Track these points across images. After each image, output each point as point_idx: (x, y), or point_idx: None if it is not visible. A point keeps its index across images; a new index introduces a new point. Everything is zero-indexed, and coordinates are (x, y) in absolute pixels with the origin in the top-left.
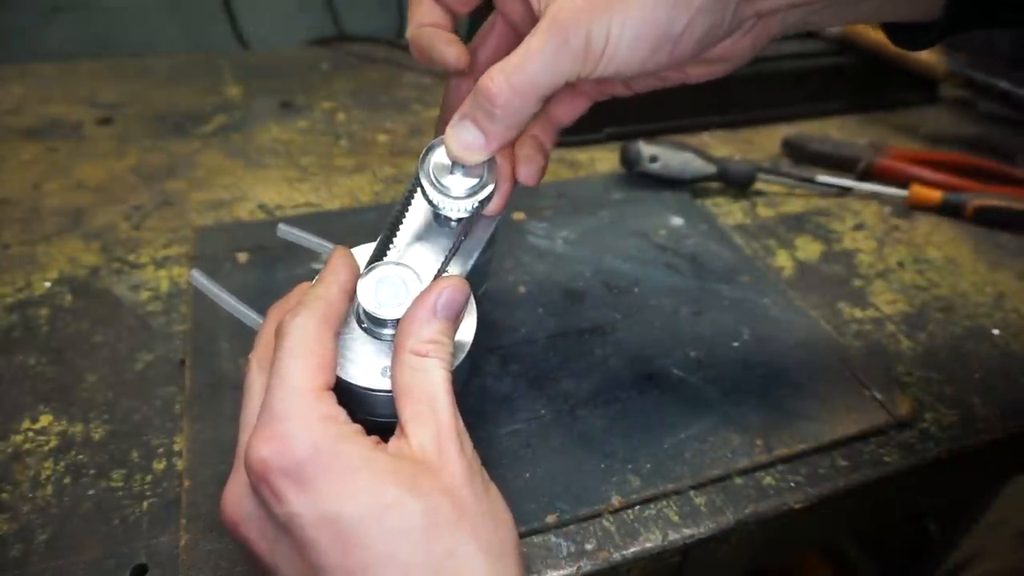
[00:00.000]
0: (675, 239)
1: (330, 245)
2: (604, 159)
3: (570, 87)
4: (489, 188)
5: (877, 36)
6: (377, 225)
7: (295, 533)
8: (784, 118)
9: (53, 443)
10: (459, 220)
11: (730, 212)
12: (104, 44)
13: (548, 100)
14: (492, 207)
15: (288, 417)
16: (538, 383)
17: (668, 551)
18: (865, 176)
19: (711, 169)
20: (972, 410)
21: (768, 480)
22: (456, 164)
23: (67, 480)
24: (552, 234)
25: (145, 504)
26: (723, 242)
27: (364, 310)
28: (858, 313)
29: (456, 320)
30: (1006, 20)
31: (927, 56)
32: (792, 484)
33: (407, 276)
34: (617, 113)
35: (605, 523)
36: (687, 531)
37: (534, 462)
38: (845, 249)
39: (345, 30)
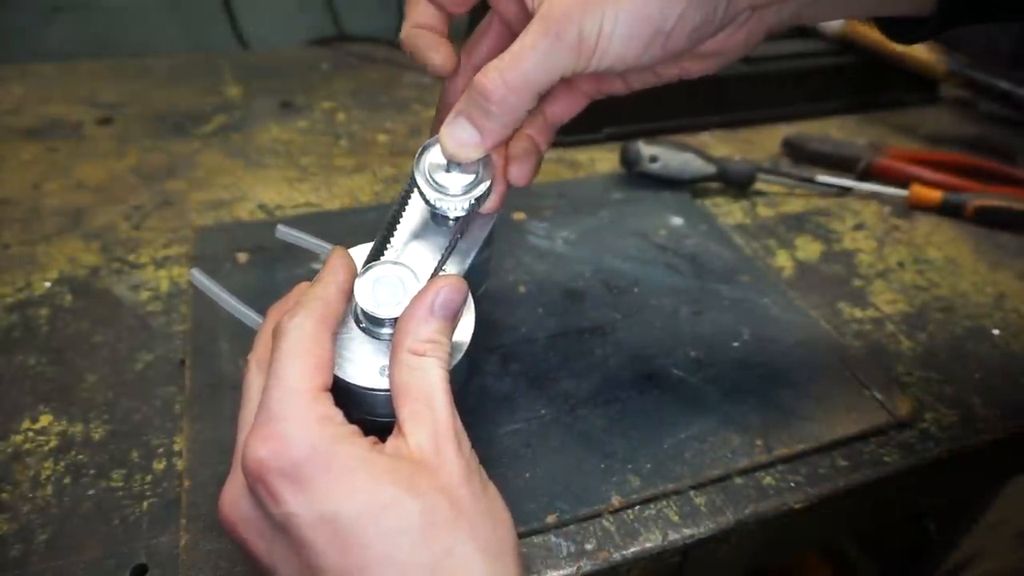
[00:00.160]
0: (675, 239)
1: (328, 246)
2: (604, 159)
3: (566, 85)
4: (485, 185)
5: (877, 36)
6: (377, 225)
7: (292, 533)
8: (784, 118)
9: (53, 443)
10: (456, 219)
11: (730, 212)
12: (104, 44)
13: (544, 98)
14: (488, 205)
15: (285, 418)
16: (538, 383)
17: (668, 551)
18: (865, 176)
19: (711, 169)
20: (972, 410)
21: (768, 480)
22: (452, 162)
23: (67, 480)
24: (552, 234)
25: (145, 504)
26: (723, 242)
27: (362, 310)
28: (858, 313)
29: (454, 319)
30: (999, 15)
31: (927, 56)
32: (792, 484)
33: (405, 275)
34: (617, 113)
35: (605, 523)
36: (687, 531)
37: (534, 462)
38: (845, 249)
39: (345, 30)
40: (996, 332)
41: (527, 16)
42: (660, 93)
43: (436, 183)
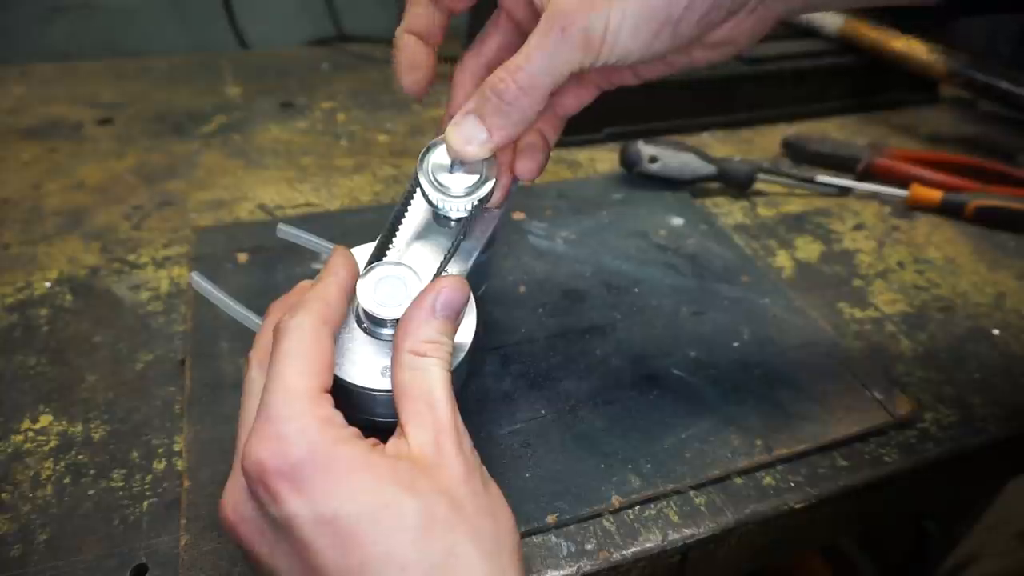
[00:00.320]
0: (675, 239)
1: (330, 245)
2: (604, 159)
3: (576, 77)
4: (488, 186)
5: (877, 36)
6: (377, 225)
7: (293, 534)
8: (784, 118)
9: (53, 443)
10: (459, 220)
11: (730, 212)
12: (104, 44)
13: (554, 92)
14: (493, 199)
15: (284, 418)
16: (538, 383)
17: (668, 551)
18: (865, 176)
19: (711, 169)
20: (972, 410)
21: (768, 480)
22: (455, 163)
23: (67, 480)
24: (552, 234)
25: (145, 504)
26: (723, 242)
27: (364, 310)
28: (858, 313)
29: (455, 319)
30: (1003, 6)
31: (927, 56)
32: (792, 484)
33: (407, 276)
34: (617, 113)
35: (605, 523)
36: (687, 531)
37: (534, 462)
38: (845, 249)
39: (345, 30)
40: (996, 332)
41: (535, 14)
42: (661, 93)
43: (439, 184)
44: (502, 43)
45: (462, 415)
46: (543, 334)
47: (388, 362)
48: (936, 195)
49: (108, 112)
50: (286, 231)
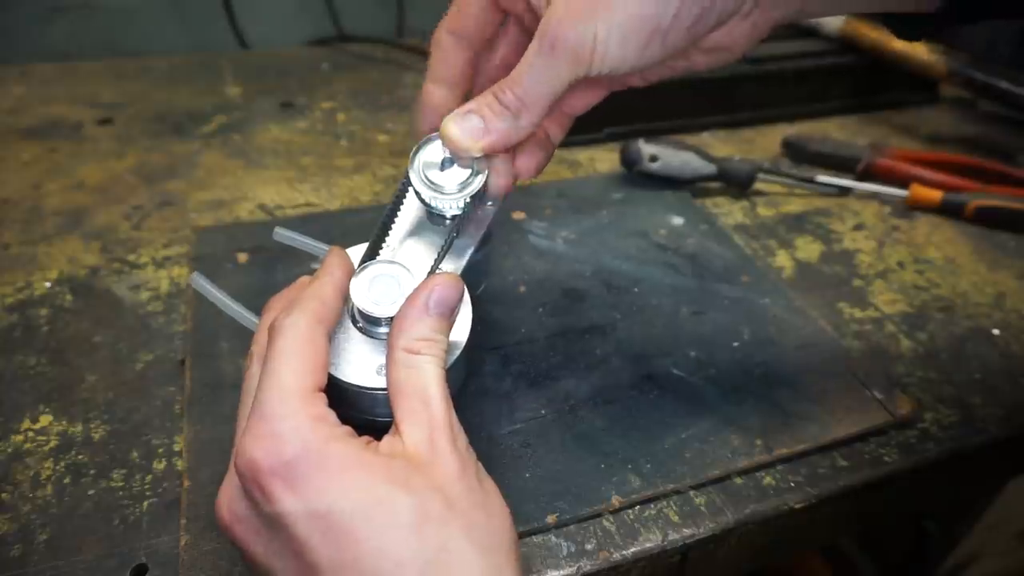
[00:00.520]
0: (675, 239)
1: (326, 247)
2: (604, 159)
3: (580, 82)
4: (479, 183)
5: (877, 36)
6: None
7: (287, 532)
8: (784, 118)
9: (53, 443)
10: (452, 217)
11: (730, 212)
12: (104, 44)
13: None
14: (496, 186)
15: (277, 417)
16: (538, 383)
17: (668, 551)
18: (865, 176)
19: (711, 169)
20: (972, 410)
21: (768, 480)
22: (446, 161)
23: (67, 480)
24: (552, 234)
25: (145, 504)
26: (723, 242)
27: (358, 309)
28: (858, 313)
29: (450, 316)
30: (1005, 11)
31: (927, 56)
32: (792, 484)
33: (400, 274)
34: (617, 112)
35: (605, 523)
36: (687, 531)
37: (534, 462)
38: (845, 249)
39: (345, 30)
40: (996, 332)
41: (537, 19)
42: (661, 93)
43: (431, 182)
44: (506, 54)
45: (462, 414)
46: (543, 334)
47: (384, 361)
48: (936, 195)
49: (108, 112)
50: (283, 234)
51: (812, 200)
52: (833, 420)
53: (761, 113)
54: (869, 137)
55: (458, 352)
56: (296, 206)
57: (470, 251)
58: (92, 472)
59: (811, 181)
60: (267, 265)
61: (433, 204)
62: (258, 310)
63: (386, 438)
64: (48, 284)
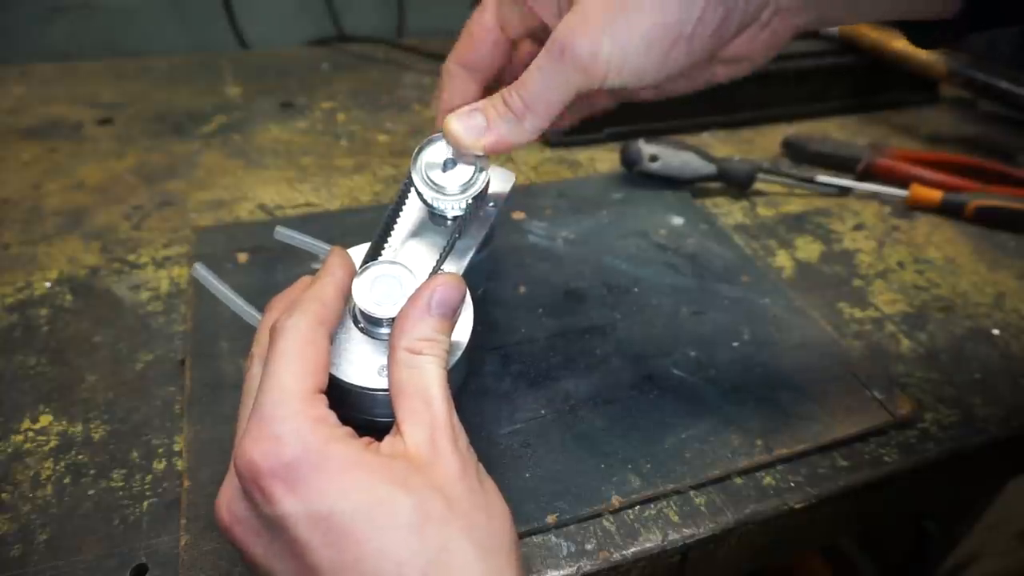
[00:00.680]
0: (675, 239)
1: (327, 247)
2: (604, 159)
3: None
4: (481, 183)
5: (877, 36)
6: (377, 225)
7: (287, 533)
8: (784, 118)
9: (53, 443)
10: (454, 218)
11: (730, 212)
12: (104, 44)
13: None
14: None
15: (277, 418)
16: (538, 383)
17: (668, 551)
18: (865, 176)
19: (711, 169)
20: (972, 410)
21: (768, 480)
22: (449, 161)
23: (67, 480)
24: (552, 234)
25: (145, 504)
26: (723, 242)
27: (360, 310)
28: (858, 313)
29: (452, 317)
30: (1021, 18)
31: (927, 56)
32: (792, 484)
33: (402, 275)
34: (618, 112)
35: (605, 523)
36: (687, 531)
37: (534, 462)
38: (845, 249)
39: (345, 30)
40: (996, 332)
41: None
42: None
43: (433, 182)
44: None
45: (461, 414)
46: (543, 334)
47: (385, 361)
48: (936, 195)
49: (108, 112)
50: (283, 233)
51: (812, 200)
52: (833, 420)
53: (761, 113)
54: (869, 137)
55: (459, 353)
56: (296, 206)
57: (472, 252)
58: (92, 472)
59: (811, 181)
60: (267, 265)
61: (435, 205)
62: (257, 310)
63: (387, 439)
64: (48, 284)
